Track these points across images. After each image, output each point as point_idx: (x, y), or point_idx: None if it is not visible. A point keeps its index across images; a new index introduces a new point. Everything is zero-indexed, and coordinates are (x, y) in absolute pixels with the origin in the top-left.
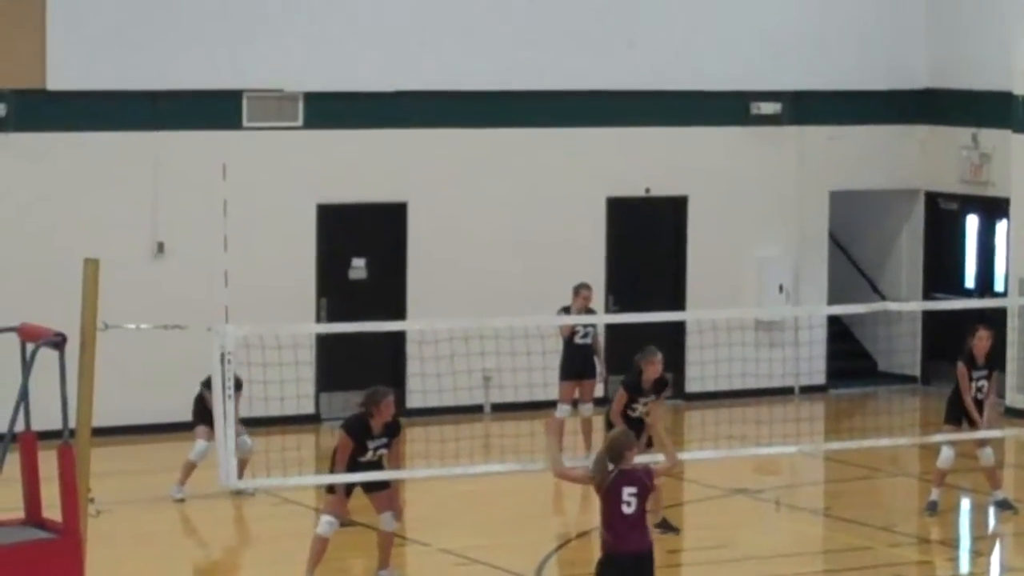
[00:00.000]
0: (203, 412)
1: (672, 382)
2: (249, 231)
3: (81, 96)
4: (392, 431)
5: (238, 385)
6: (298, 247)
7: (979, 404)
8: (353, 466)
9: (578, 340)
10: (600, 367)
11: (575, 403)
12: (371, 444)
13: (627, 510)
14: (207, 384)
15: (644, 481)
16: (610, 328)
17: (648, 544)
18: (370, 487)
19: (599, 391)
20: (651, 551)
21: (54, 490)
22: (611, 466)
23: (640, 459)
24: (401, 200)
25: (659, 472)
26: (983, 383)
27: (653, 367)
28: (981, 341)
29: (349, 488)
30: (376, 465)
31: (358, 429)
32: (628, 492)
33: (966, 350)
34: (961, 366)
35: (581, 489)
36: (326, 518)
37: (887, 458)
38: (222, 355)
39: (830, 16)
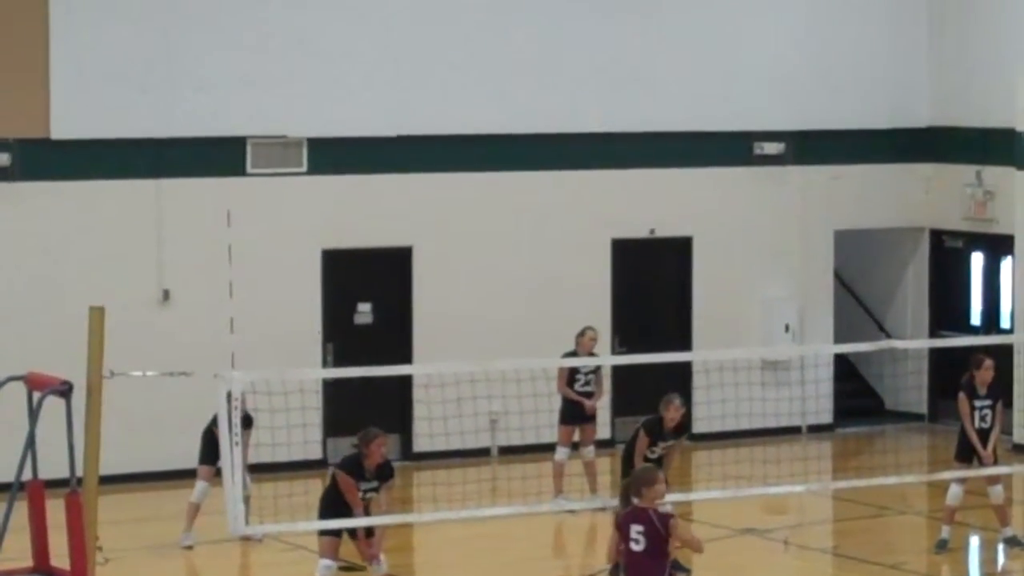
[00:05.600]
0: (208, 450)
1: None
2: (254, 277)
3: (85, 144)
4: (384, 474)
5: (248, 422)
6: (304, 292)
7: (984, 434)
8: (341, 509)
9: (579, 388)
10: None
11: (575, 446)
12: (363, 486)
13: (634, 547)
14: (216, 422)
15: (653, 522)
16: (616, 370)
17: None
18: (354, 533)
19: (603, 432)
20: None
21: (62, 538)
22: (635, 501)
23: None
24: (406, 244)
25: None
26: (987, 412)
27: (674, 412)
28: (985, 371)
29: (340, 530)
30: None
31: (352, 468)
32: (636, 530)
33: (966, 380)
34: (961, 396)
35: (586, 532)
36: (324, 562)
37: (895, 496)
38: (228, 400)
39: (832, 56)
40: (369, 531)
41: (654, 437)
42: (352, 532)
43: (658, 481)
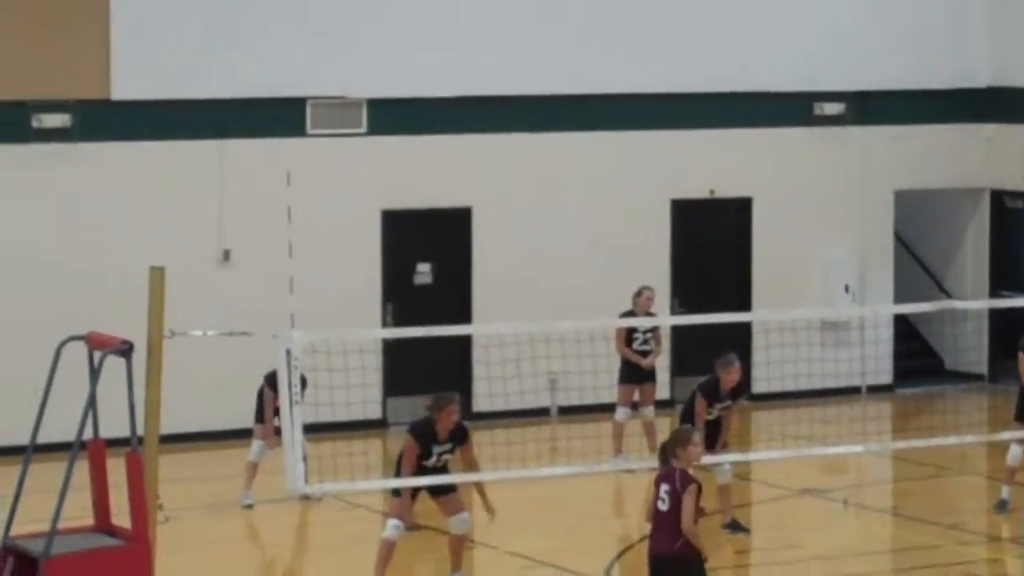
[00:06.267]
0: (261, 409)
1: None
2: (314, 237)
3: (145, 106)
4: (459, 437)
5: (303, 383)
6: (363, 253)
7: None
8: (418, 470)
9: (637, 347)
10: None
11: (635, 406)
12: (436, 449)
13: (661, 507)
14: (269, 380)
15: (675, 482)
16: (675, 330)
17: (666, 549)
18: (436, 491)
19: (663, 392)
20: (669, 556)
21: (123, 497)
22: (672, 461)
23: (710, 460)
24: (466, 205)
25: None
26: None
27: (732, 374)
28: None
29: (414, 491)
30: (441, 470)
31: (423, 433)
32: (664, 489)
33: None
34: (1021, 355)
35: (646, 492)
36: (392, 522)
37: (955, 456)
38: (288, 359)
39: (892, 15)
40: (446, 489)
41: (711, 399)
42: (433, 492)
43: (693, 443)
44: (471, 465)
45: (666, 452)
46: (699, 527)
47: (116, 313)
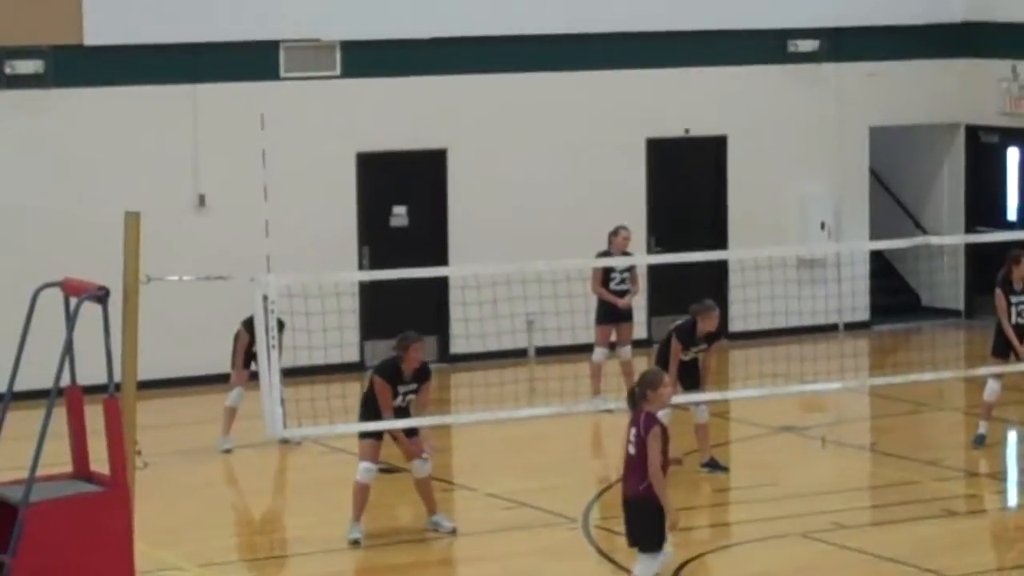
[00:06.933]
0: (238, 352)
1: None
2: (289, 181)
3: (118, 50)
4: (421, 377)
5: (280, 326)
6: (339, 196)
7: (1021, 329)
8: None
9: (614, 287)
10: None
11: (612, 346)
12: (401, 389)
13: (630, 450)
14: (247, 325)
15: (640, 426)
16: (652, 269)
17: (634, 491)
18: (396, 435)
19: (640, 332)
20: (634, 500)
21: (101, 444)
22: (642, 404)
23: (686, 399)
24: (441, 147)
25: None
26: None
27: (709, 322)
28: (1022, 266)
29: (380, 432)
30: (404, 412)
31: (391, 373)
32: (632, 433)
33: (1003, 275)
34: (998, 292)
35: (624, 431)
36: (363, 465)
37: (932, 393)
38: (265, 303)
39: None
40: (412, 431)
41: (686, 343)
42: (393, 434)
43: (662, 384)
44: (425, 406)
45: (635, 395)
46: (672, 470)
47: (91, 259)
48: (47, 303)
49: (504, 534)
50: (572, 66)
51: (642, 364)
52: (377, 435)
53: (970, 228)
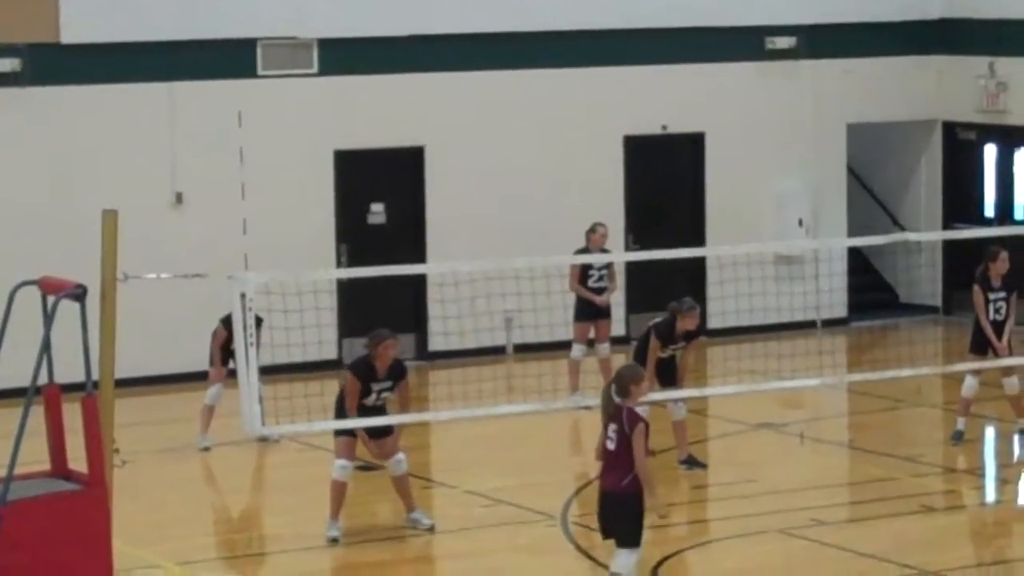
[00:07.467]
0: (216, 350)
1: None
2: (267, 179)
3: (95, 48)
4: (396, 374)
5: (258, 322)
6: (316, 193)
7: (999, 326)
8: (360, 409)
9: (592, 284)
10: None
11: (591, 343)
12: (375, 387)
13: (609, 446)
14: (225, 322)
15: (622, 422)
16: (629, 266)
17: (615, 486)
18: (373, 433)
19: (618, 329)
20: (618, 494)
21: (79, 442)
22: (618, 400)
23: (664, 396)
24: (418, 144)
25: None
26: (1001, 304)
27: (688, 322)
28: (999, 262)
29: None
30: (380, 410)
31: (364, 371)
32: (612, 428)
33: (980, 272)
34: (976, 288)
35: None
36: (339, 462)
37: (910, 389)
38: (243, 301)
39: None
40: (387, 430)
41: (665, 340)
42: (370, 433)
43: (641, 379)
44: (403, 404)
45: (614, 391)
46: (652, 465)
47: (69, 257)
48: (24, 301)
49: (483, 531)
50: (549, 63)
51: (620, 361)
52: (353, 432)
53: (947, 225)
